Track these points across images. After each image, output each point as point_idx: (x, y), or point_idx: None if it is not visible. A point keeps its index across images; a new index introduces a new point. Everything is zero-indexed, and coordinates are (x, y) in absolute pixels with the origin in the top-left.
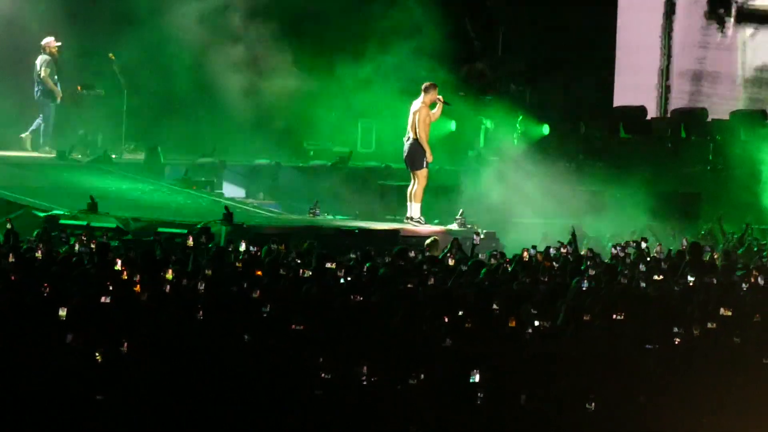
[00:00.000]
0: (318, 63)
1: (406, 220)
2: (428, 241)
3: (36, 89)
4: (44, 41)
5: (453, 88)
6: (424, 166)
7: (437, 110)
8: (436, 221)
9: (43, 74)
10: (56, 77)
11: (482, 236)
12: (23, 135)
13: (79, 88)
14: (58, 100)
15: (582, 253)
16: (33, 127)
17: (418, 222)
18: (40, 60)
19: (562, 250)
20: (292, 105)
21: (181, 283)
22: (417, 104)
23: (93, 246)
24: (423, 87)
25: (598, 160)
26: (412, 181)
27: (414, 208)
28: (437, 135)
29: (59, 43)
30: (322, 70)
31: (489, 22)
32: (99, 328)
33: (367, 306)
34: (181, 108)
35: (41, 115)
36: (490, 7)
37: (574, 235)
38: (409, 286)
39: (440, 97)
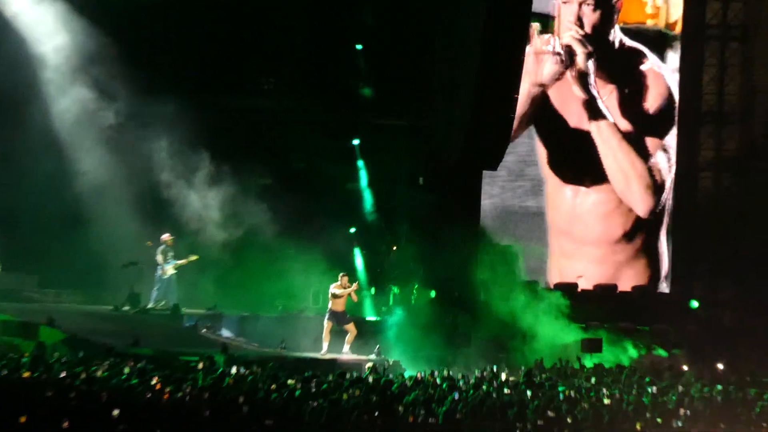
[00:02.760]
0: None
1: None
2: (366, 365)
3: (158, 268)
4: (162, 237)
5: (372, 265)
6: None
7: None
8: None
9: (159, 258)
10: (169, 258)
11: (391, 363)
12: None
13: (149, 243)
14: (164, 275)
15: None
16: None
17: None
18: (159, 249)
19: (444, 374)
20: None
21: (193, 393)
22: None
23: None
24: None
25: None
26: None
27: (347, 347)
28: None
29: (173, 237)
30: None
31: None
32: (142, 422)
33: (316, 409)
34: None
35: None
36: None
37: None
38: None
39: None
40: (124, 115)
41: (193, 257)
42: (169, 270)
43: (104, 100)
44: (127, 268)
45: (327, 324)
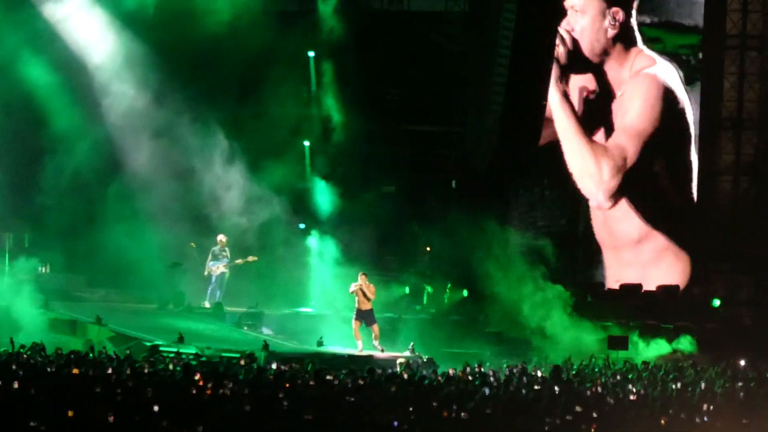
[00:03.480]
0: None
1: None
2: (398, 362)
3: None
4: (218, 238)
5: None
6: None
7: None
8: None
9: (210, 259)
10: (220, 257)
11: (424, 360)
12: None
13: (192, 244)
14: (205, 273)
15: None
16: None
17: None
18: (212, 249)
19: (476, 370)
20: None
21: (234, 389)
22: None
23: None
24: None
25: None
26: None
27: (376, 343)
28: (396, 296)
29: (225, 237)
30: None
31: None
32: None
33: (355, 403)
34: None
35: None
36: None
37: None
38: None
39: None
40: (170, 118)
41: (252, 258)
42: (221, 269)
43: (153, 102)
44: (173, 269)
45: (355, 324)
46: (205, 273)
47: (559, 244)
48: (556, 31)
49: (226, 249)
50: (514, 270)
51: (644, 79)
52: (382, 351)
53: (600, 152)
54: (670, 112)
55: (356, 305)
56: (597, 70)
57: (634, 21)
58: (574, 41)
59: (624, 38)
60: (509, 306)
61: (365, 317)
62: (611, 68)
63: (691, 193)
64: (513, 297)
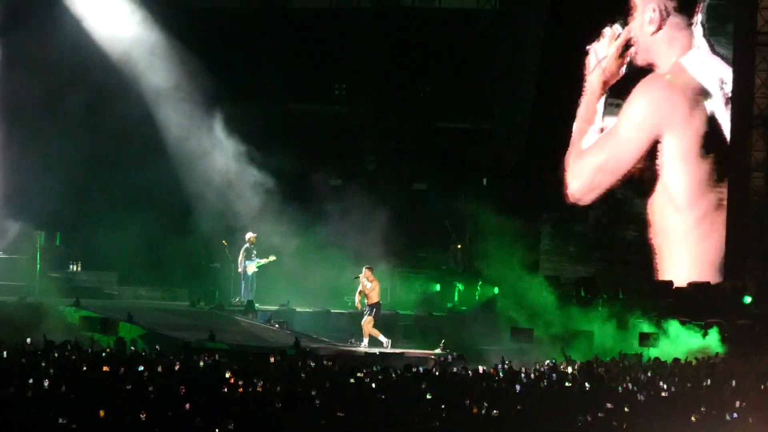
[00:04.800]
0: None
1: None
2: (429, 358)
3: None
4: (246, 236)
5: (437, 262)
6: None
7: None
8: None
9: (240, 257)
10: (252, 256)
11: (455, 357)
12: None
13: (224, 242)
14: (239, 270)
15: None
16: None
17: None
18: (243, 248)
19: (506, 367)
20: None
21: (266, 386)
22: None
23: (211, 362)
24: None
25: None
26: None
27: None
28: (427, 293)
29: (255, 234)
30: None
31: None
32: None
33: (386, 400)
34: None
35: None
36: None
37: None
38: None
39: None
40: (199, 118)
41: (272, 257)
42: (251, 267)
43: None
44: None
45: (368, 319)
46: (239, 270)
47: None
48: (587, 29)
49: (255, 247)
50: (545, 267)
51: None
52: (353, 343)
53: None
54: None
55: (366, 301)
56: None
57: None
58: None
59: None
60: (540, 303)
61: (370, 311)
62: None
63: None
64: (544, 294)
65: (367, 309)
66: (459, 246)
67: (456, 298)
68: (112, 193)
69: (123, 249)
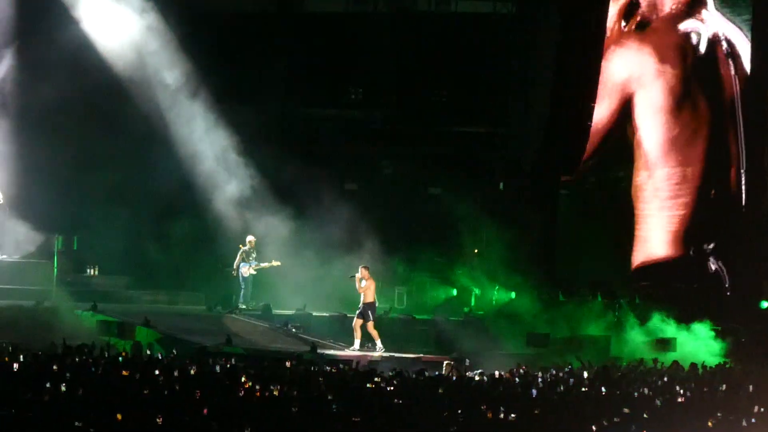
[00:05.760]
0: None
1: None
2: (445, 363)
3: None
4: (248, 239)
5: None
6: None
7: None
8: None
9: (237, 260)
10: (250, 259)
11: (469, 362)
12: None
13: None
14: (233, 274)
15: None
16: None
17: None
18: (240, 251)
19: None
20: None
21: (282, 390)
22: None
23: (228, 366)
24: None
25: None
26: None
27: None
28: (443, 297)
29: (254, 239)
30: None
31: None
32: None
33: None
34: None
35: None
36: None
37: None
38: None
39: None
40: (213, 121)
41: (275, 262)
42: (246, 270)
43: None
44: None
45: (358, 320)
46: (233, 274)
47: None
48: (604, 33)
49: (254, 251)
50: (561, 271)
51: None
52: (369, 347)
53: None
54: None
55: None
56: None
57: None
58: None
59: None
60: (556, 307)
61: (364, 311)
62: None
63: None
64: (560, 298)
65: (361, 307)
66: (476, 250)
67: (473, 303)
68: (129, 197)
69: (140, 253)
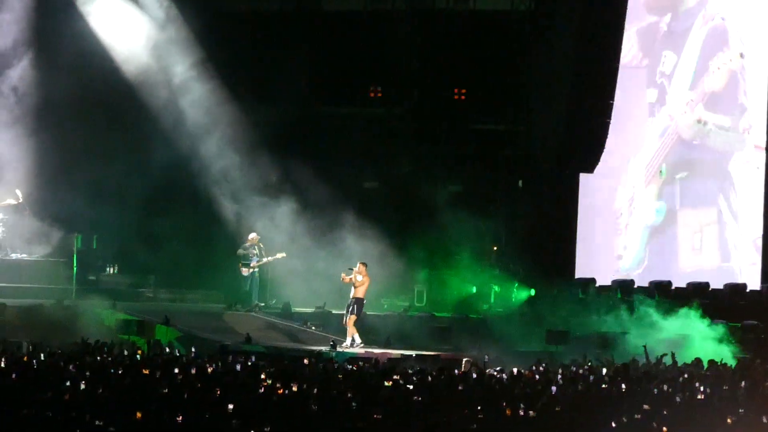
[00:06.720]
0: None
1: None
2: (465, 360)
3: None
4: (250, 236)
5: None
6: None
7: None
8: None
9: (239, 252)
10: (252, 256)
11: (489, 359)
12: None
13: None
14: (243, 272)
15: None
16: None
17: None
18: (241, 247)
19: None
20: None
21: (302, 388)
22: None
23: (248, 364)
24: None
25: None
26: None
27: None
28: (463, 295)
29: (257, 236)
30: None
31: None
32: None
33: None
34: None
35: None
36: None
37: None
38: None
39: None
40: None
41: (279, 255)
42: (245, 271)
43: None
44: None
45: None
46: (248, 272)
47: None
48: (622, 28)
49: (256, 247)
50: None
51: None
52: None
53: None
54: None
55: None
56: None
57: None
58: None
59: None
60: (575, 305)
61: (352, 305)
62: None
63: None
64: (578, 296)
65: (351, 300)
66: (495, 248)
67: (492, 300)
68: (149, 195)
69: (160, 251)
